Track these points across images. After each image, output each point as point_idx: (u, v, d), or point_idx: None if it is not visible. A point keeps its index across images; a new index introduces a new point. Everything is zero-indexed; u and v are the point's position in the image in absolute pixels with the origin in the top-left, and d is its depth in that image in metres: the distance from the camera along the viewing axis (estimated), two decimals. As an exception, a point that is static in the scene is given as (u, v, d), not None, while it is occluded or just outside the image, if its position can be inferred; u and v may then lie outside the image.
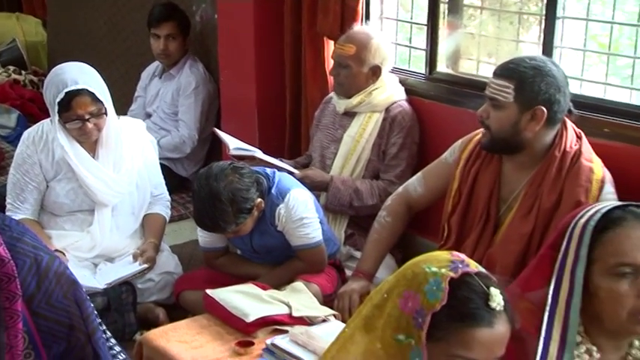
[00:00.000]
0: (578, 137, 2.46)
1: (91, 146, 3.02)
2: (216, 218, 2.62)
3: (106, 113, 2.94)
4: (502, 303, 1.30)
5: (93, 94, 2.87)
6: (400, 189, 2.82)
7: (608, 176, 2.38)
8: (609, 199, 2.33)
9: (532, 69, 2.36)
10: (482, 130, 2.53)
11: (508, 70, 2.40)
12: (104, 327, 1.81)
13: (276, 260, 2.89)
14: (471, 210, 2.57)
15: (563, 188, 2.37)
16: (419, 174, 2.80)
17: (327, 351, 1.40)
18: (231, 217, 2.63)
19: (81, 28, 5.20)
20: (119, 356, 1.79)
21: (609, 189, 2.36)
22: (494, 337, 1.29)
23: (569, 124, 2.47)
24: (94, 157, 3.01)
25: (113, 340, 1.82)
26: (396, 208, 2.77)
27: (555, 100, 2.36)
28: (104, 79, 3.01)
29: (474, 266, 1.34)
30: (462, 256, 1.35)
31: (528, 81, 2.35)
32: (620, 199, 2.34)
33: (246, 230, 2.73)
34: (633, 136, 2.51)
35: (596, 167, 2.39)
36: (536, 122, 2.38)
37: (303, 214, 2.75)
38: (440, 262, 1.32)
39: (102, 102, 2.90)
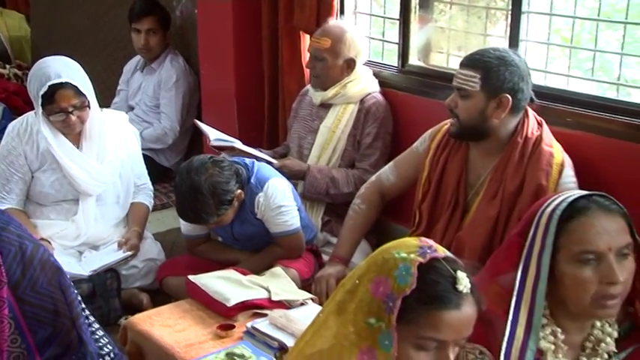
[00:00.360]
0: (539, 124, 2.48)
1: (75, 138, 2.99)
2: (198, 210, 2.62)
3: (89, 106, 2.92)
4: (468, 286, 1.31)
5: (76, 87, 2.85)
6: (373, 178, 2.83)
7: (568, 160, 2.41)
8: (569, 182, 2.37)
9: (497, 59, 2.38)
10: (450, 120, 2.55)
11: (474, 61, 2.42)
12: (87, 312, 1.81)
13: (256, 247, 2.89)
14: (441, 196, 2.59)
15: (526, 172, 2.40)
16: (391, 163, 2.81)
17: (302, 335, 1.40)
18: (213, 209, 2.62)
19: (64, 23, 5.14)
20: (102, 340, 1.80)
21: (569, 172, 2.39)
22: (461, 318, 1.29)
23: (530, 112, 2.49)
24: (77, 149, 2.99)
25: (96, 325, 1.82)
26: (369, 196, 2.78)
27: (519, 88, 2.39)
28: (87, 73, 2.98)
29: (442, 251, 1.34)
30: (430, 241, 1.35)
31: (493, 70, 2.37)
32: (581, 185, 2.37)
33: (227, 220, 2.73)
34: (594, 125, 2.53)
35: (556, 152, 2.41)
36: (501, 109, 2.40)
37: (281, 202, 2.75)
38: (409, 248, 1.32)
39: (85, 95, 2.88)
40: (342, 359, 1.28)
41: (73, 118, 2.89)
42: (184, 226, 2.90)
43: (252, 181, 2.75)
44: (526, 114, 2.47)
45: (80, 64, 3.00)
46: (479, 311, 1.34)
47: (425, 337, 1.29)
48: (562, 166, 2.39)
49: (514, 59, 2.40)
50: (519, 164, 2.42)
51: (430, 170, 2.61)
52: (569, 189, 2.31)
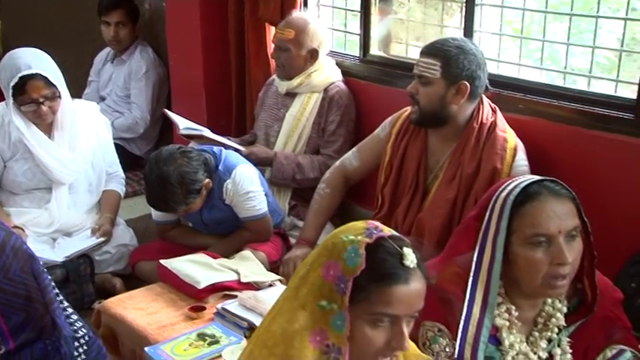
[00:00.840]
0: (493, 111, 2.50)
1: (47, 128, 2.95)
2: (167, 199, 2.60)
3: (59, 96, 2.87)
4: (415, 261, 1.30)
5: (46, 78, 2.80)
6: (337, 163, 2.82)
7: (520, 145, 2.43)
8: (521, 165, 2.39)
9: (456, 47, 2.39)
10: (410, 107, 2.55)
11: (434, 49, 2.42)
12: (61, 298, 1.78)
13: (225, 231, 2.87)
14: (402, 180, 2.59)
15: (482, 156, 2.41)
16: (354, 149, 2.81)
17: (261, 322, 1.39)
18: (181, 197, 2.60)
19: (34, 16, 5.03)
20: (76, 324, 1.77)
21: (521, 156, 2.41)
22: (410, 292, 1.29)
23: (485, 99, 2.51)
24: (49, 138, 2.94)
25: (70, 310, 1.79)
26: (334, 181, 2.78)
27: (477, 75, 2.40)
28: (58, 64, 2.93)
29: (387, 231, 1.34)
30: (376, 223, 1.35)
31: (453, 58, 2.38)
32: (532, 168, 2.40)
33: (196, 208, 2.70)
34: (543, 111, 2.55)
35: (510, 137, 2.43)
36: (460, 96, 2.41)
37: (249, 188, 2.74)
38: (356, 231, 1.32)
39: (55, 86, 2.83)
40: (294, 342, 1.27)
41: (44, 108, 2.84)
42: (155, 213, 2.86)
43: (220, 168, 2.72)
44: (481, 101, 2.48)
45: (51, 56, 2.94)
46: (427, 285, 1.34)
47: (378, 314, 1.28)
48: (515, 150, 2.41)
49: (472, 48, 2.41)
50: (475, 149, 2.43)
51: (391, 155, 2.61)
52: (522, 172, 2.34)
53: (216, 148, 2.82)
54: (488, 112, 2.48)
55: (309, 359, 1.26)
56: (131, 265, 2.94)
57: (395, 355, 1.34)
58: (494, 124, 2.45)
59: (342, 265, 1.28)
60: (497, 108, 2.51)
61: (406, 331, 1.30)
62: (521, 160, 2.40)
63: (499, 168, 2.37)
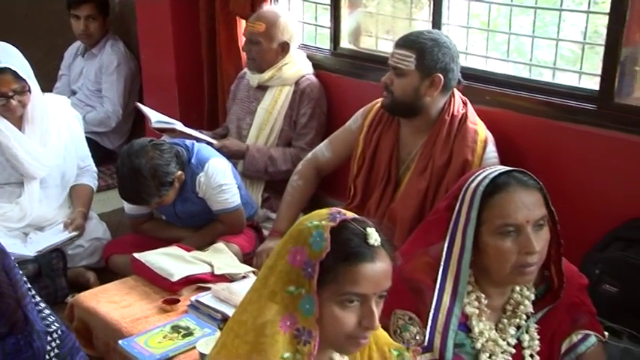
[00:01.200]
0: (464, 103, 2.51)
1: (17, 121, 2.90)
2: (140, 192, 2.57)
3: (29, 91, 2.83)
4: (379, 239, 1.32)
5: (15, 72, 2.76)
6: (309, 155, 2.81)
7: (490, 137, 2.45)
8: (491, 157, 2.41)
9: (430, 40, 2.40)
10: (382, 99, 2.54)
11: (409, 42, 2.42)
12: (33, 292, 1.75)
13: (198, 224, 2.84)
14: (374, 171, 2.59)
15: (453, 148, 2.43)
16: (326, 141, 2.80)
17: (233, 314, 1.38)
18: (154, 190, 2.57)
19: (2, 10, 4.92)
20: (48, 319, 1.74)
21: (491, 148, 2.43)
22: (376, 270, 1.31)
23: (456, 92, 2.52)
24: (20, 132, 2.89)
25: (42, 304, 1.76)
26: (306, 172, 2.78)
27: (450, 68, 2.42)
28: (28, 59, 2.88)
29: (351, 215, 1.35)
30: (339, 209, 1.36)
31: (428, 51, 2.38)
32: (500, 158, 2.41)
33: (169, 201, 2.68)
34: (510, 103, 2.57)
35: (480, 129, 2.45)
36: (434, 88, 2.42)
37: (222, 181, 2.72)
38: (320, 217, 1.33)
39: (24, 80, 2.79)
40: (265, 329, 1.28)
41: (14, 102, 2.80)
42: (128, 206, 2.83)
43: (192, 161, 2.70)
44: (452, 93, 2.50)
45: (20, 50, 2.89)
46: (393, 264, 1.36)
47: (346, 293, 1.29)
48: (485, 142, 2.42)
49: (446, 41, 2.42)
50: (447, 140, 2.44)
51: (364, 147, 2.61)
52: (492, 163, 2.36)
53: (188, 142, 2.79)
54: (459, 105, 2.49)
55: (280, 344, 1.27)
56: (104, 259, 2.90)
57: (366, 338, 1.35)
58: (465, 117, 2.46)
59: (308, 250, 1.29)
60: (467, 101, 2.53)
61: (376, 310, 1.32)
62: (492, 152, 2.42)
63: (470, 160, 2.39)
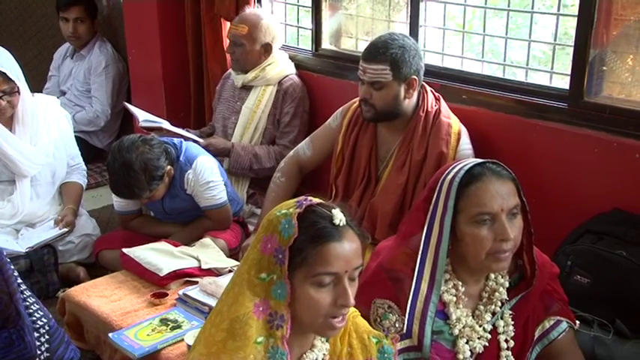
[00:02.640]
0: (437, 99, 2.52)
1: (7, 122, 2.87)
2: (131, 186, 2.55)
3: (18, 92, 2.80)
4: (344, 219, 1.34)
5: (4, 74, 2.72)
6: (291, 153, 2.80)
7: (464, 130, 2.46)
8: (465, 149, 2.42)
9: (399, 48, 2.39)
10: (363, 107, 2.50)
11: (380, 55, 2.39)
12: (23, 288, 1.74)
13: (186, 220, 2.83)
14: (354, 171, 2.59)
15: (429, 142, 2.43)
16: (307, 139, 2.79)
17: (214, 307, 1.39)
18: (145, 184, 2.56)
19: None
20: (35, 315, 1.74)
21: (465, 140, 2.44)
22: (345, 248, 1.32)
23: (428, 88, 2.53)
24: (10, 132, 2.86)
25: (30, 300, 1.76)
26: (288, 170, 2.76)
27: (420, 67, 2.43)
28: (17, 60, 2.85)
29: (317, 200, 1.37)
30: (305, 196, 1.38)
31: (400, 59, 2.38)
32: (476, 153, 2.42)
33: (159, 196, 2.67)
34: (485, 102, 2.58)
35: (454, 122, 2.45)
36: (412, 90, 2.43)
37: (209, 178, 2.70)
38: (288, 206, 1.35)
39: (14, 81, 2.75)
40: (239, 316, 1.29)
41: (3, 103, 2.77)
42: (117, 203, 2.81)
43: (181, 159, 2.69)
44: (424, 90, 2.50)
45: (10, 52, 2.85)
46: (363, 243, 1.37)
47: (318, 274, 1.30)
48: (459, 135, 2.43)
49: (411, 44, 2.43)
50: (423, 136, 2.45)
51: (343, 146, 2.61)
52: (467, 155, 2.38)
53: (176, 140, 2.78)
54: (432, 101, 2.50)
55: (254, 329, 1.28)
56: (95, 254, 2.88)
57: (343, 317, 1.36)
58: (438, 112, 2.47)
59: (277, 237, 1.30)
60: (440, 96, 2.54)
61: (349, 289, 1.32)
62: (465, 144, 2.43)
63: (445, 152, 2.40)
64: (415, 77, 2.40)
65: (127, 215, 2.86)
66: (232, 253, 2.72)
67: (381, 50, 2.40)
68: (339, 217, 1.33)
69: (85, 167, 3.18)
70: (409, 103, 2.45)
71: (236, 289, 1.32)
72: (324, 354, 1.42)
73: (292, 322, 1.31)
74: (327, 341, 1.44)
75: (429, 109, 2.47)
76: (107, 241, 2.90)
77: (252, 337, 1.27)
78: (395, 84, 2.40)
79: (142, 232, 2.84)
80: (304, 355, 1.40)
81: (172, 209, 2.78)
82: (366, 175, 2.56)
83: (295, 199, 1.37)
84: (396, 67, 2.38)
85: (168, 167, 2.61)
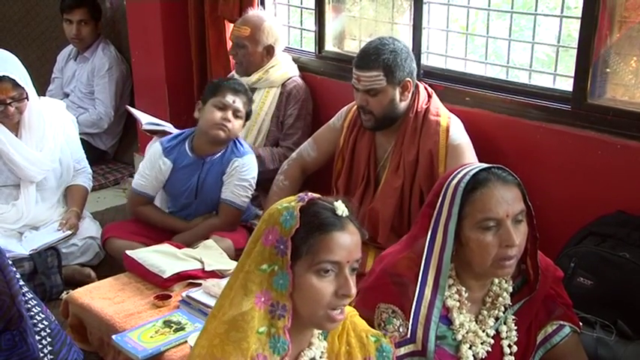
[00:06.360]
0: (429, 96, 2.52)
1: (14, 127, 2.88)
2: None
3: (27, 98, 2.81)
4: (347, 211, 1.36)
5: (14, 80, 2.73)
6: (294, 155, 2.81)
7: (453, 121, 2.45)
8: (456, 140, 2.41)
9: (390, 53, 2.39)
10: (363, 116, 2.50)
11: (372, 62, 2.40)
12: (24, 290, 1.74)
13: (197, 213, 2.82)
14: (354, 173, 2.59)
15: (419, 143, 2.44)
16: (310, 139, 2.79)
17: (216, 302, 1.40)
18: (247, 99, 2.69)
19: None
20: (37, 317, 1.74)
21: (455, 131, 2.42)
22: (347, 239, 1.33)
23: (420, 86, 2.53)
24: (17, 137, 2.87)
25: (32, 302, 1.76)
26: (291, 172, 2.77)
27: (413, 68, 2.44)
28: (21, 62, 2.85)
29: (317, 195, 1.39)
30: (306, 192, 1.39)
31: (393, 64, 2.39)
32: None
33: (235, 131, 2.69)
34: (488, 104, 2.58)
35: (442, 119, 2.44)
36: (407, 92, 2.44)
37: (250, 177, 2.73)
38: (289, 200, 1.37)
39: (23, 87, 2.76)
40: (241, 307, 1.30)
41: (12, 109, 2.78)
42: (138, 181, 2.78)
43: (237, 145, 2.73)
44: (417, 89, 2.50)
45: (14, 54, 2.86)
46: (362, 238, 1.39)
47: (321, 262, 1.31)
48: (447, 129, 2.42)
49: (402, 47, 2.43)
50: (413, 136, 2.46)
51: (343, 147, 2.62)
52: (459, 146, 2.37)
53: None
54: (423, 100, 2.50)
55: (255, 320, 1.29)
56: (103, 241, 2.84)
57: (343, 310, 1.36)
58: (427, 110, 2.47)
59: (279, 228, 1.32)
60: (433, 93, 2.53)
61: (351, 279, 1.33)
62: (455, 134, 2.42)
63: (434, 151, 2.41)
64: (409, 79, 2.41)
65: (140, 197, 2.81)
66: (238, 253, 2.70)
67: (373, 57, 2.40)
68: (341, 208, 1.35)
69: (90, 170, 3.18)
70: (405, 105, 2.46)
71: (237, 282, 1.33)
72: (321, 352, 1.42)
73: (292, 316, 1.31)
74: (324, 339, 1.44)
75: (419, 110, 2.47)
76: (118, 229, 2.84)
77: (254, 328, 1.29)
78: (390, 88, 2.41)
79: (150, 220, 2.81)
80: (302, 353, 1.40)
81: (204, 192, 2.76)
82: (365, 177, 2.56)
83: (296, 195, 1.38)
84: (389, 72, 2.39)
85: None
